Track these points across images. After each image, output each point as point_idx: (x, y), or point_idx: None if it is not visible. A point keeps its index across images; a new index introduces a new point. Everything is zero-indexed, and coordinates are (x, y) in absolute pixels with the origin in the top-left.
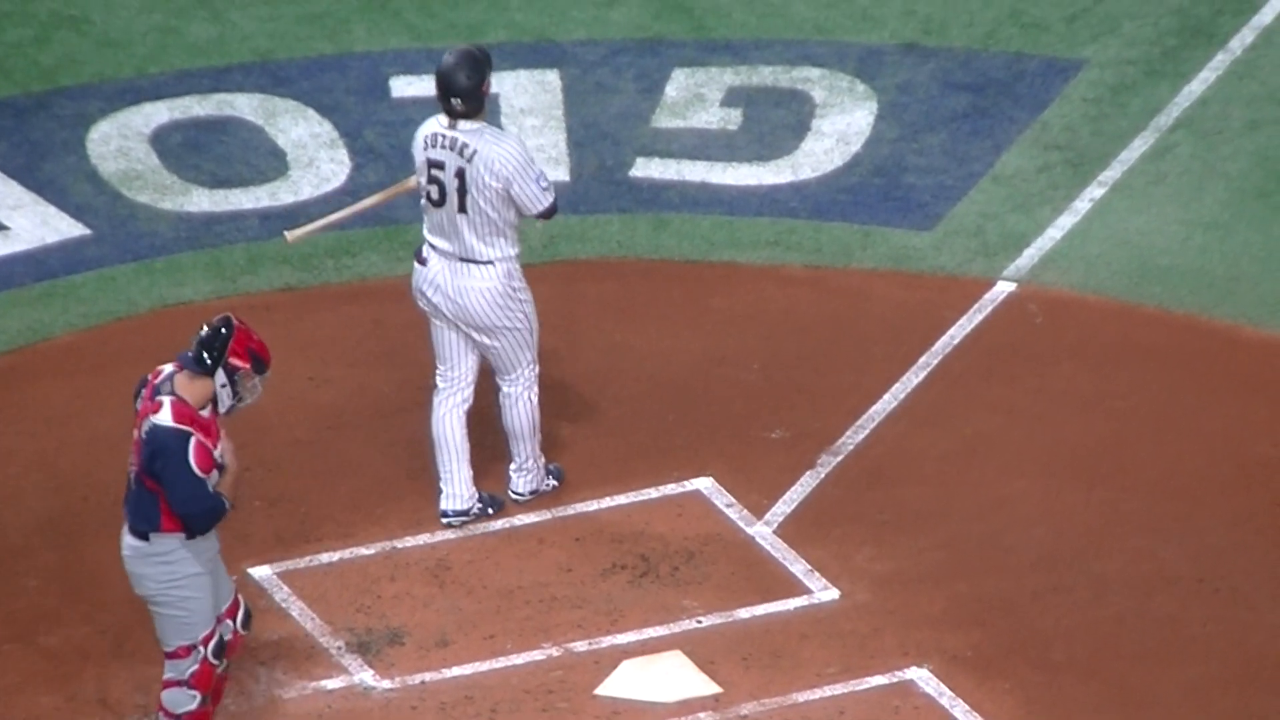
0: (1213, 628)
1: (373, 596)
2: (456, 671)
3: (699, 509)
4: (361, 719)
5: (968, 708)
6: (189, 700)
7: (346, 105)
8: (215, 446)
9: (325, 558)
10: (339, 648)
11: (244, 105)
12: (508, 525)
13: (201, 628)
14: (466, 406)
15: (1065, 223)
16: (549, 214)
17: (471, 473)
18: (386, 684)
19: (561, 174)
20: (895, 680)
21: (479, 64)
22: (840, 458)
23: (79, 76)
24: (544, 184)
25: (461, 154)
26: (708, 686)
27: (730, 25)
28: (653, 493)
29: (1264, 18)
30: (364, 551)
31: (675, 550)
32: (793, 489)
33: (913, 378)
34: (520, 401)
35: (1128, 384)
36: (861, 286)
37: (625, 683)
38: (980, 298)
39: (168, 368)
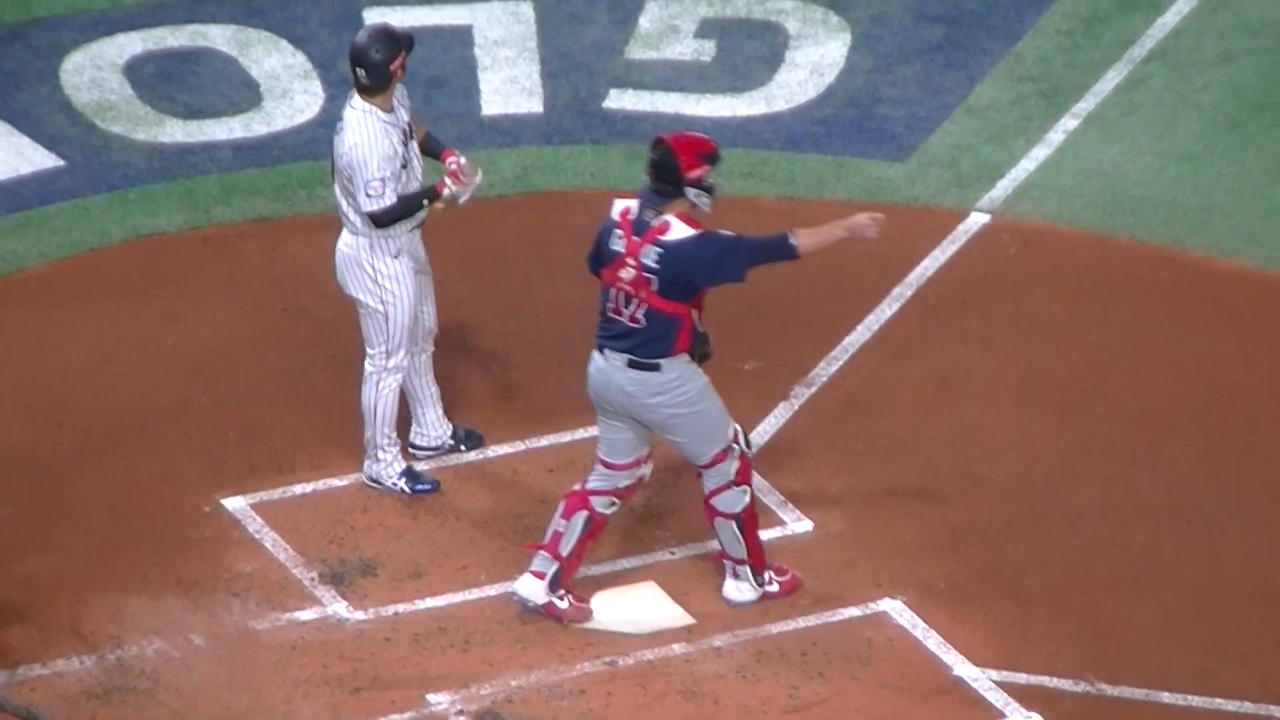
0: (1185, 556)
1: (346, 528)
2: (430, 603)
3: None
4: (335, 650)
5: (940, 639)
6: (742, 495)
7: (320, 36)
8: None
9: (299, 489)
10: (312, 579)
11: (217, 36)
12: (481, 457)
13: (726, 429)
14: (424, 356)
15: (1039, 154)
16: (374, 220)
17: (441, 411)
18: (360, 615)
19: (535, 105)
20: (868, 612)
21: (393, 44)
22: (814, 389)
23: (53, 7)
24: (372, 190)
25: (335, 126)
26: (681, 617)
27: None
28: None
29: None
30: (337, 483)
31: (649, 481)
32: (766, 420)
33: (886, 309)
34: (367, 383)
35: (1100, 314)
36: (835, 217)
37: (599, 613)
38: (954, 229)
39: (631, 204)
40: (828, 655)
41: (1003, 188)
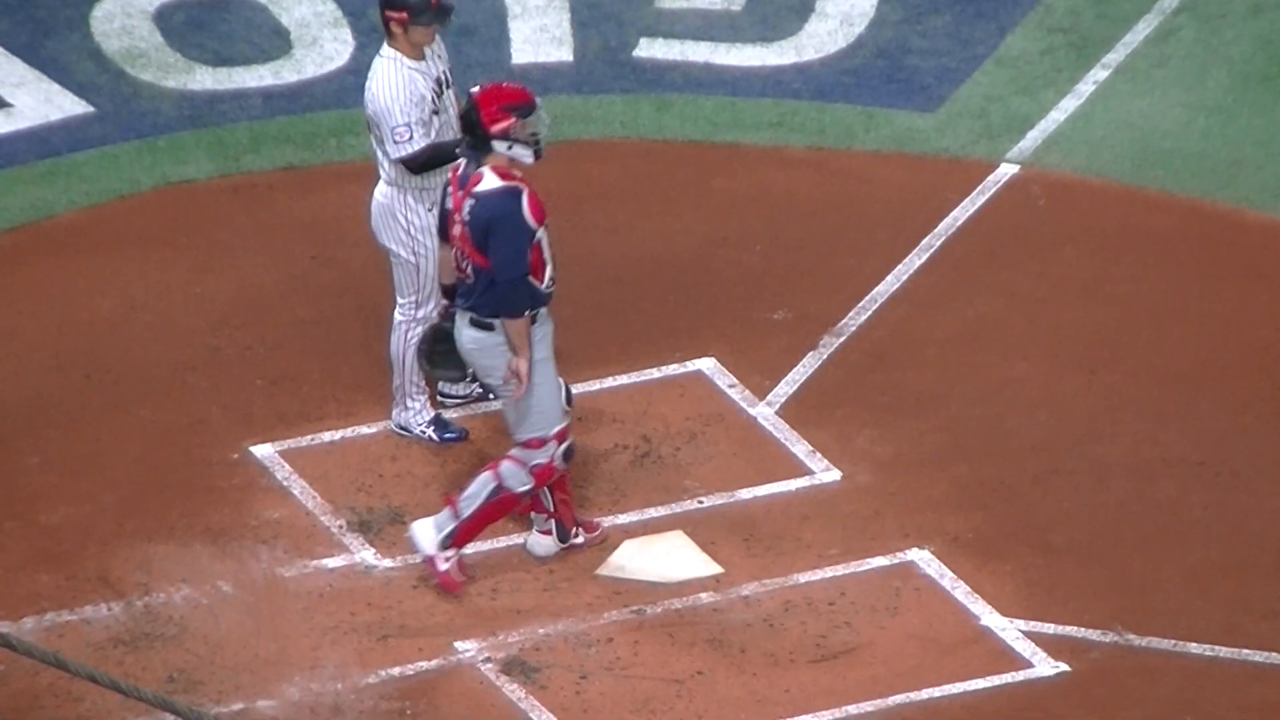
0: (1213, 512)
1: (374, 475)
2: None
3: (701, 390)
4: (362, 597)
5: (968, 589)
6: (524, 482)
7: None
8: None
9: (327, 436)
10: (340, 526)
11: None
12: None
13: (554, 420)
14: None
15: (1068, 105)
16: (405, 165)
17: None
18: (387, 563)
19: (565, 54)
20: (896, 562)
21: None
22: (842, 339)
23: None
24: (399, 136)
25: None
26: (709, 567)
27: None
28: (655, 373)
29: None
30: (365, 430)
31: (677, 431)
32: (794, 370)
33: (915, 260)
34: (395, 331)
35: (1130, 268)
36: (864, 169)
37: (626, 563)
38: (983, 180)
39: (461, 162)
40: (855, 605)
41: (1032, 139)
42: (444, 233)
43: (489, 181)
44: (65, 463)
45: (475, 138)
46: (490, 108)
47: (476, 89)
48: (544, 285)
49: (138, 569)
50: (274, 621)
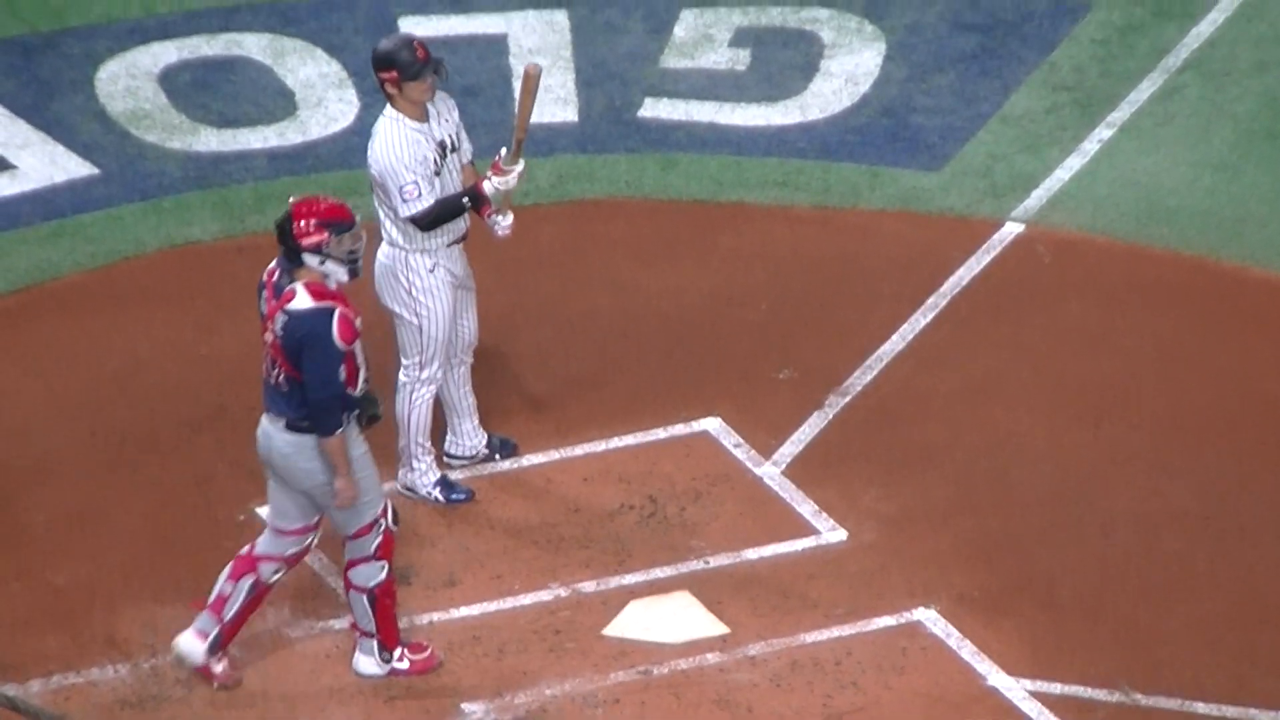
0: (1219, 565)
1: None
2: (464, 611)
3: (707, 449)
4: None
5: (975, 648)
6: (379, 572)
7: (355, 45)
8: (356, 315)
9: None
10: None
11: (252, 45)
12: (515, 466)
13: (379, 502)
14: (462, 368)
15: (1073, 163)
16: (415, 223)
17: (477, 420)
18: None
19: (570, 114)
20: (903, 621)
21: (375, 60)
22: (848, 398)
23: (88, 15)
24: (408, 194)
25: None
26: (715, 627)
27: None
28: (661, 433)
29: None
30: None
31: (683, 490)
32: (800, 429)
33: (920, 318)
34: (400, 393)
35: (1135, 323)
36: (869, 227)
37: (633, 623)
38: (988, 238)
39: (273, 266)
40: (862, 664)
41: (1037, 197)
42: (262, 333)
43: (301, 299)
44: (71, 522)
45: (288, 247)
46: (304, 220)
47: (293, 199)
48: (357, 391)
49: (144, 630)
50: (281, 682)
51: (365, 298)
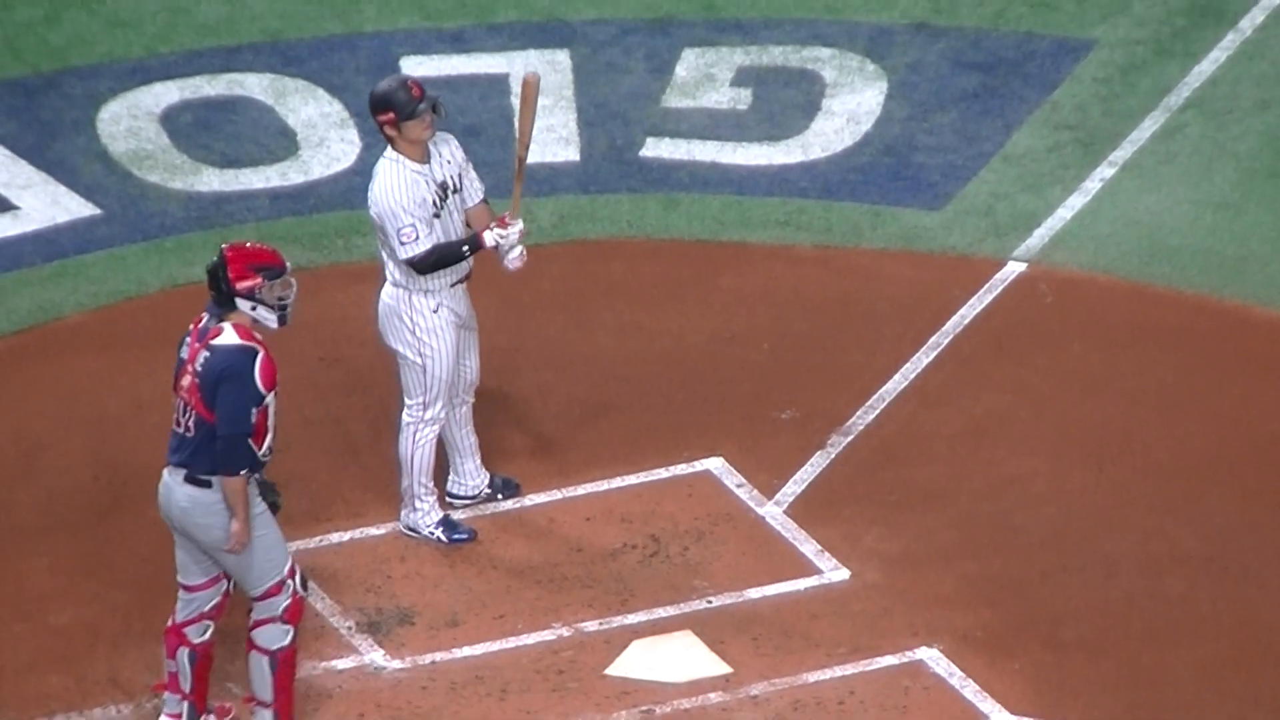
0: (1222, 607)
1: (383, 576)
2: (467, 651)
3: (709, 489)
4: (371, 698)
5: (977, 688)
6: (284, 635)
7: (356, 85)
8: (276, 369)
9: (335, 537)
10: (349, 627)
11: (254, 85)
12: (517, 506)
13: (283, 560)
14: (464, 408)
15: (1075, 202)
16: (413, 266)
17: (479, 460)
18: (397, 664)
19: (572, 154)
20: (905, 660)
21: (371, 104)
22: (850, 438)
23: (89, 56)
24: (405, 237)
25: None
26: (718, 666)
27: (740, 4)
28: (663, 473)
29: None
30: (374, 531)
31: (685, 530)
32: (803, 469)
33: (923, 357)
34: (403, 433)
35: (1138, 364)
36: (871, 266)
37: (636, 663)
38: (990, 277)
39: (205, 315)
40: (864, 704)
41: (1039, 236)
42: (176, 383)
43: (228, 336)
44: (74, 563)
45: (220, 293)
46: (237, 265)
47: (226, 245)
48: (261, 452)
49: (147, 670)
50: None
51: (369, 336)
